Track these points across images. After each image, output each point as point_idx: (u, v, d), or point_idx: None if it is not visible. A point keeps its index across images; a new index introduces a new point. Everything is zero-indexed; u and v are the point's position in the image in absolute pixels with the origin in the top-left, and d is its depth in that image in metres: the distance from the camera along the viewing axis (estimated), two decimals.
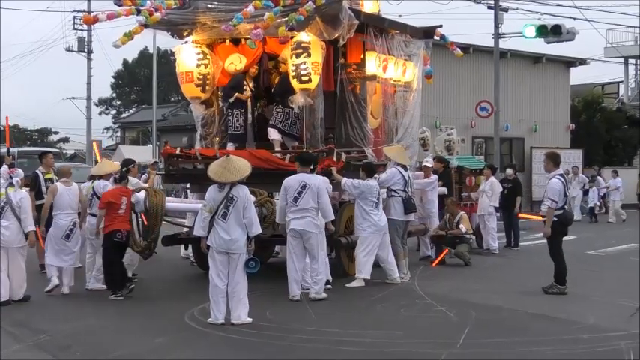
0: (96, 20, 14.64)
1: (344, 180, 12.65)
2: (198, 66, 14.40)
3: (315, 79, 13.35)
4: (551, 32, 26.67)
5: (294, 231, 11.48)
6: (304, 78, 13.29)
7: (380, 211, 12.73)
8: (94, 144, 35.71)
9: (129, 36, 13.49)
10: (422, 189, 15.50)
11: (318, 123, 13.61)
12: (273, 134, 14.04)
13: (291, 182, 11.54)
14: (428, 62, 15.98)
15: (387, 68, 14.62)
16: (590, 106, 36.78)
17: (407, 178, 13.38)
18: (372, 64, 14.20)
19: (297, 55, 13.30)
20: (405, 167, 13.50)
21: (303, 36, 13.32)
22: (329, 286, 12.25)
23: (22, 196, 11.45)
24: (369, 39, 14.08)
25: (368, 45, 14.15)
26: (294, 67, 13.37)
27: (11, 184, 11.53)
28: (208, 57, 14.48)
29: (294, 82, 13.43)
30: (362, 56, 14.18)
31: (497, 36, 28.12)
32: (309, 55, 13.24)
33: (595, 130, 35.80)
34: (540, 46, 31.09)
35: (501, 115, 28.71)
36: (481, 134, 31.21)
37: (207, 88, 14.56)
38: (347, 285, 12.48)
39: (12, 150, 18.92)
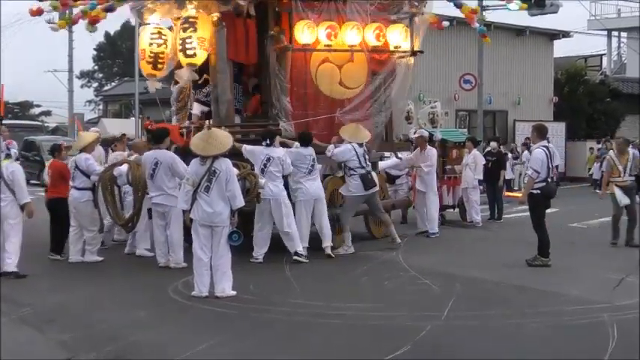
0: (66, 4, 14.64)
1: (244, 146, 12.51)
2: (150, 44, 14.23)
3: (202, 54, 13.37)
4: (535, 4, 26.50)
5: None
6: (189, 52, 13.32)
7: (313, 178, 12.74)
8: (76, 121, 35.50)
9: (67, 20, 14.32)
10: (416, 165, 15.56)
11: (222, 98, 13.55)
12: (195, 109, 14.53)
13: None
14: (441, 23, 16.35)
15: (338, 35, 14.08)
16: (573, 79, 36.74)
17: (360, 154, 13.22)
18: (306, 33, 13.81)
19: (184, 30, 13.33)
20: (360, 144, 13.35)
21: (192, 11, 13.36)
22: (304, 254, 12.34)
23: (13, 169, 11.26)
24: (295, 8, 13.83)
25: (302, 14, 13.86)
26: (180, 42, 13.39)
27: (8, 156, 11.36)
28: (164, 37, 14.29)
29: (180, 57, 13.51)
30: (284, 27, 13.93)
31: (481, 8, 27.96)
32: (195, 30, 13.25)
33: (578, 102, 35.79)
34: (524, 19, 31.02)
35: (485, 88, 28.69)
36: (464, 107, 31.26)
37: (159, 66, 14.40)
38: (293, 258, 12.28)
39: None
